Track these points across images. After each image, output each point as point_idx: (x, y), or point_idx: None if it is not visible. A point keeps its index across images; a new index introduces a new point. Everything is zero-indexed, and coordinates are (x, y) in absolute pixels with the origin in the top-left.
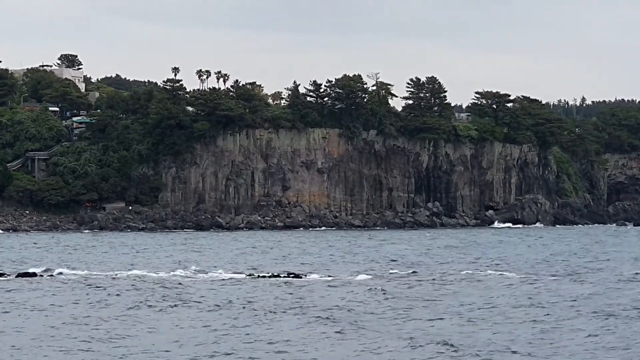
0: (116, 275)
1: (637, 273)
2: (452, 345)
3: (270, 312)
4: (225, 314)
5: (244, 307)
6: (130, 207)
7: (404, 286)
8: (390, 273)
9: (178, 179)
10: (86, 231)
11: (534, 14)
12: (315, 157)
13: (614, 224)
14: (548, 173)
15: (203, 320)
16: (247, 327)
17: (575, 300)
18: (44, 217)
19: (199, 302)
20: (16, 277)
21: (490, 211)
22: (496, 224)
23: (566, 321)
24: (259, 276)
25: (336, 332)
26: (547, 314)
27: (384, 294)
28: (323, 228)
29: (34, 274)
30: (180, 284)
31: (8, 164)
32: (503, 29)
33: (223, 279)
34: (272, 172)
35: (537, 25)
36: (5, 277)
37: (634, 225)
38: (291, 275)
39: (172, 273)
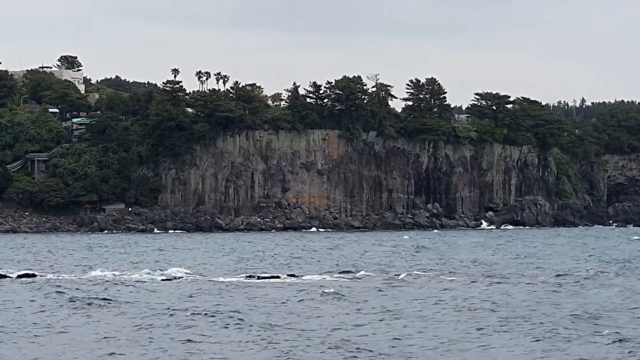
0: (79, 277)
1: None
2: (348, 349)
3: (198, 314)
4: (152, 316)
5: (169, 310)
6: (130, 209)
7: (356, 288)
8: (359, 275)
9: (178, 180)
10: (73, 233)
11: (534, 14)
12: (315, 158)
13: (614, 225)
14: (548, 174)
15: (125, 322)
16: (158, 328)
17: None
18: (44, 219)
19: (133, 303)
20: (16, 277)
21: (490, 212)
22: (485, 225)
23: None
24: (258, 277)
25: (244, 333)
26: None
27: (321, 295)
28: (312, 230)
29: (34, 275)
30: (134, 286)
31: (8, 166)
32: (503, 29)
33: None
34: (271, 173)
35: (537, 26)
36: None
37: (634, 226)
38: (292, 277)
39: (140, 274)
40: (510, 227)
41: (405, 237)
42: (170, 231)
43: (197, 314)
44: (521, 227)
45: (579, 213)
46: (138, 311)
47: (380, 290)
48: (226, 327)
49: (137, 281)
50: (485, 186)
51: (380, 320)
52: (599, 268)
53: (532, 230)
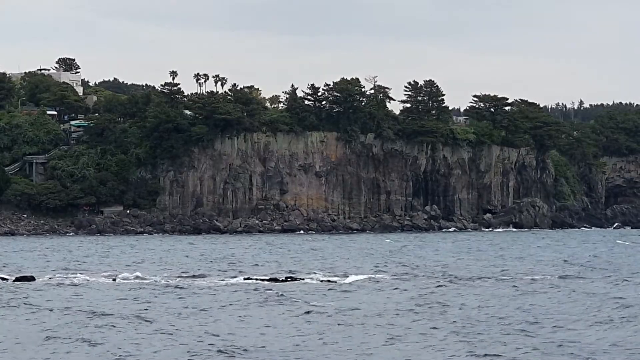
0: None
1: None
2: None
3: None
4: (61, 317)
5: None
6: (128, 211)
7: (294, 290)
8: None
9: (176, 182)
10: (72, 235)
11: (532, 16)
12: (313, 160)
13: (612, 227)
14: (546, 176)
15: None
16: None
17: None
18: (42, 221)
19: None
20: (14, 280)
21: (488, 214)
22: (483, 228)
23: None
24: (256, 279)
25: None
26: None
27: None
28: (302, 232)
29: (32, 278)
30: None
31: (6, 168)
32: (501, 31)
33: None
34: (270, 175)
35: (535, 28)
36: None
37: (632, 228)
38: (289, 279)
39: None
40: (505, 229)
41: (387, 240)
42: (165, 234)
43: (119, 317)
44: (519, 229)
45: (577, 215)
46: (55, 314)
47: (320, 293)
48: (119, 331)
49: (87, 284)
50: (483, 188)
51: (292, 324)
52: (559, 272)
53: (529, 232)
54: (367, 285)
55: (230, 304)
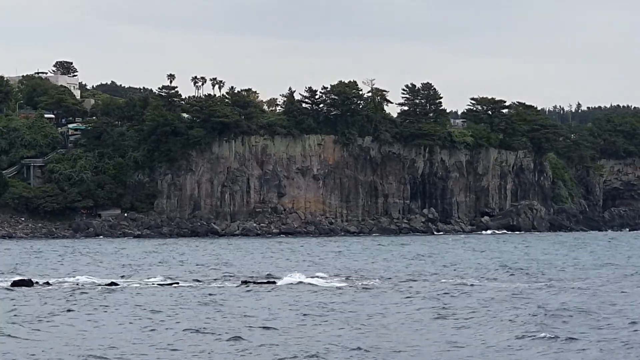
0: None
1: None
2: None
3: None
4: None
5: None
6: (125, 214)
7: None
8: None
9: (173, 185)
10: (69, 239)
11: (530, 18)
12: (311, 163)
13: (610, 230)
14: (543, 179)
15: None
16: None
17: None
18: (40, 224)
19: None
20: (11, 285)
21: (486, 217)
22: (482, 230)
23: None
24: (251, 283)
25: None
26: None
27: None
28: (295, 236)
29: (30, 282)
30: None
31: (3, 171)
32: (498, 33)
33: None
34: (267, 178)
35: (533, 30)
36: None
37: (629, 231)
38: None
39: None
40: (502, 232)
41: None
42: (162, 237)
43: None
44: (517, 232)
45: (574, 218)
46: None
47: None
48: None
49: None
50: (481, 191)
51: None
52: (493, 275)
53: (522, 235)
54: (295, 287)
55: (130, 314)
